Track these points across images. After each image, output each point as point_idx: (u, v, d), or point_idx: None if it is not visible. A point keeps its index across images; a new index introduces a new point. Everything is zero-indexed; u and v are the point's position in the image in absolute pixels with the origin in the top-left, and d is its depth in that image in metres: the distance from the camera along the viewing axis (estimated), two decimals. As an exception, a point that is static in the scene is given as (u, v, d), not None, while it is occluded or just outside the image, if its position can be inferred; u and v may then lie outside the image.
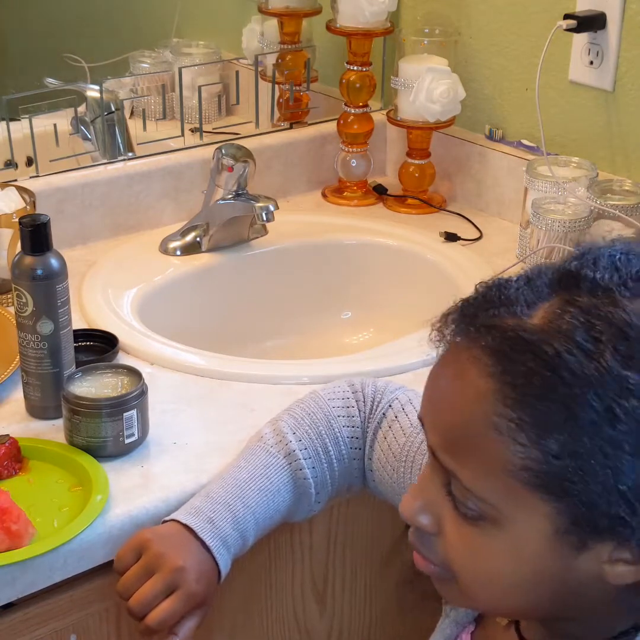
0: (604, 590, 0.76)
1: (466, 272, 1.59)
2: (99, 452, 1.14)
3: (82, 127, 1.68)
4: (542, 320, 0.73)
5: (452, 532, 0.78)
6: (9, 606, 1.06)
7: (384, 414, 1.13)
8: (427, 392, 0.80)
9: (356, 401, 1.15)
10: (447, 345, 0.78)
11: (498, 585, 0.77)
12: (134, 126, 1.75)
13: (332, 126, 1.87)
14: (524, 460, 0.72)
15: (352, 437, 1.13)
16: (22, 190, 1.49)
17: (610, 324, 0.72)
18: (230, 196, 1.61)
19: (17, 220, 1.32)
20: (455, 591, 0.81)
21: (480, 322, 0.76)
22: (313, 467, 1.11)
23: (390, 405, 1.13)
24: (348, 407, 1.15)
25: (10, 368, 1.27)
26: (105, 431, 1.14)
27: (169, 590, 1.01)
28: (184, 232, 1.65)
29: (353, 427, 1.14)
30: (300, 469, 1.10)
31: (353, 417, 1.14)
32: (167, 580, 1.01)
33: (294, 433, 1.12)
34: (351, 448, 1.13)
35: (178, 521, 1.05)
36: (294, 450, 1.11)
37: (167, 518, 1.06)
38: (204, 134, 1.78)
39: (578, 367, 0.71)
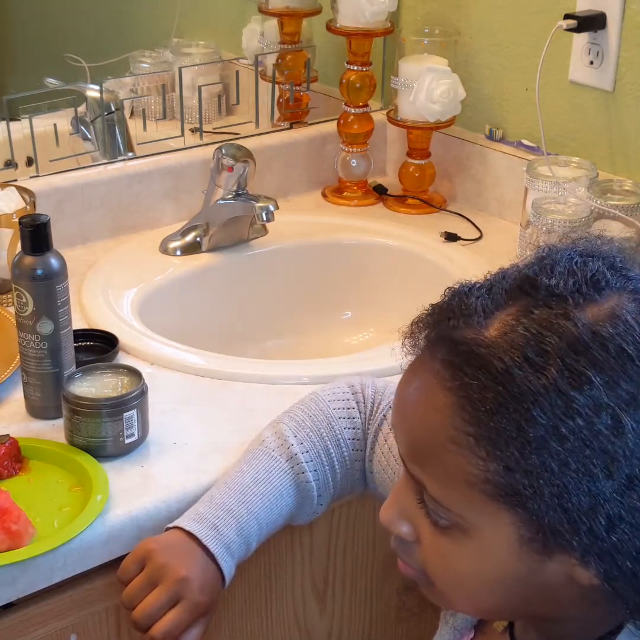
0: (579, 592, 0.76)
1: (466, 272, 1.57)
2: (99, 452, 1.14)
3: (82, 127, 1.68)
4: (496, 331, 0.73)
5: (427, 540, 0.80)
6: (9, 606, 1.06)
7: (384, 415, 1.13)
8: (396, 400, 0.81)
9: (356, 402, 1.15)
10: (417, 352, 0.79)
11: (469, 590, 0.79)
12: (134, 126, 1.75)
13: (332, 126, 1.87)
14: (484, 473, 0.73)
15: (353, 439, 1.13)
16: (22, 190, 1.48)
17: (560, 337, 0.71)
18: (230, 196, 1.61)
19: (17, 220, 1.32)
20: (435, 594, 0.83)
21: (440, 332, 0.76)
22: (315, 470, 1.11)
23: (390, 407, 1.13)
24: (349, 408, 1.14)
25: (11, 368, 1.27)
26: (105, 431, 1.14)
27: (173, 601, 1.01)
28: (184, 232, 1.65)
29: (354, 428, 1.14)
30: (303, 473, 1.10)
31: (354, 418, 1.14)
32: (171, 591, 1.01)
33: (295, 436, 1.11)
34: (353, 450, 1.13)
35: (181, 528, 1.04)
36: (296, 454, 1.10)
37: (170, 525, 1.06)
38: (204, 134, 1.78)
39: (526, 382, 0.71)
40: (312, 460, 1.11)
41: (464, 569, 0.78)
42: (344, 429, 1.13)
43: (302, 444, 1.11)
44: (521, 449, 0.71)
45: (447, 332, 0.76)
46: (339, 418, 1.13)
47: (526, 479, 0.71)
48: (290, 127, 1.88)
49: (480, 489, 0.73)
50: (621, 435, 0.70)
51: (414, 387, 0.78)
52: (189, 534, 1.04)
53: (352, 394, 1.16)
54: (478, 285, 0.78)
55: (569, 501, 0.71)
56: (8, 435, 1.15)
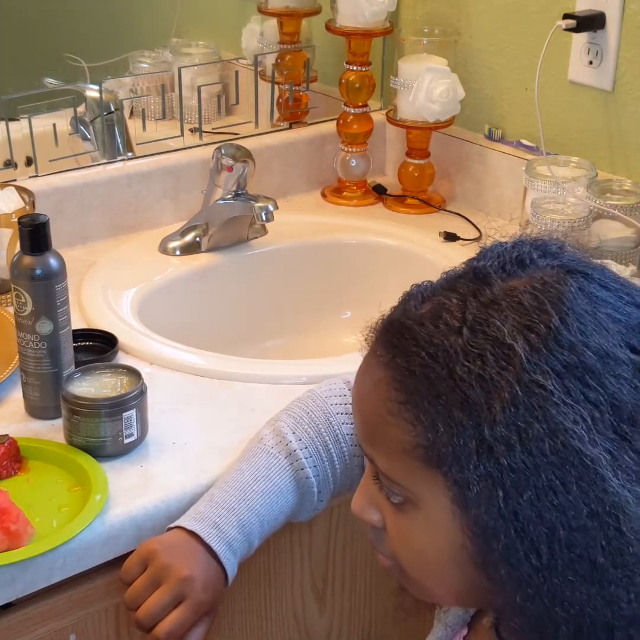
0: None
1: (466, 272, 1.59)
2: (98, 452, 1.14)
3: (81, 127, 1.68)
4: (426, 309, 0.78)
5: (390, 523, 0.82)
6: (8, 606, 1.06)
7: None
8: (353, 389, 0.84)
9: None
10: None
11: (433, 570, 0.80)
12: (134, 126, 1.75)
13: (331, 126, 1.87)
14: (414, 438, 0.75)
15: (351, 434, 1.13)
16: (21, 190, 1.49)
17: (477, 300, 0.75)
18: (229, 196, 1.61)
19: (16, 220, 1.32)
20: (410, 583, 0.84)
21: (383, 320, 0.82)
22: (314, 466, 1.11)
23: None
24: (346, 403, 1.15)
25: (10, 368, 1.27)
26: (104, 431, 1.14)
27: (176, 601, 1.01)
28: (183, 232, 1.65)
29: (352, 424, 1.14)
30: (302, 469, 1.11)
31: (351, 413, 1.14)
32: (174, 591, 1.01)
33: (293, 433, 1.12)
34: (351, 445, 1.13)
35: (183, 528, 1.05)
36: (295, 450, 1.11)
37: (171, 525, 1.06)
38: (203, 134, 1.78)
39: (440, 342, 0.74)
40: (311, 457, 1.11)
41: (422, 546, 0.79)
42: (342, 424, 1.14)
43: (300, 440, 1.11)
44: (438, 406, 0.74)
45: (388, 316, 0.81)
46: (337, 414, 1.14)
47: (445, 437, 0.73)
48: (290, 127, 1.88)
49: (415, 456, 0.75)
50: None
51: (361, 371, 0.83)
52: (191, 533, 1.04)
53: (349, 389, 1.16)
54: (427, 282, 0.82)
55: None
56: (7, 435, 1.15)
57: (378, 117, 1.88)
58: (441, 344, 0.74)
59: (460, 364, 0.73)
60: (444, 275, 0.82)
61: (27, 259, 1.17)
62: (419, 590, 0.84)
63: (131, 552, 1.09)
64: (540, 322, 0.72)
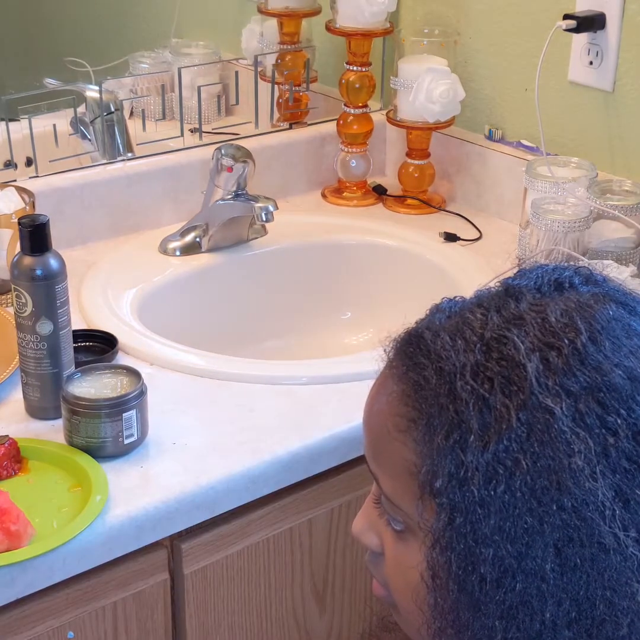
0: None
1: (466, 272, 1.59)
2: (99, 453, 1.14)
3: (81, 128, 1.68)
4: (449, 323, 0.73)
5: (388, 550, 0.77)
6: (7, 604, 1.05)
7: None
8: (365, 403, 0.80)
9: None
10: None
11: (420, 606, 0.73)
12: (134, 126, 1.75)
13: (331, 126, 1.87)
14: (421, 459, 0.70)
15: None
16: (21, 190, 1.49)
17: (500, 315, 0.71)
18: (229, 196, 1.61)
19: (16, 220, 1.32)
20: (400, 618, 0.79)
21: (406, 330, 0.76)
22: None
23: None
24: None
25: (10, 368, 1.27)
26: (104, 431, 1.14)
27: None
28: (183, 233, 1.65)
29: None
30: None
31: None
32: None
33: None
34: None
35: None
36: None
37: None
38: (203, 134, 1.78)
39: (449, 357, 0.70)
40: None
41: (417, 581, 0.72)
42: None
43: None
44: (433, 425, 0.69)
45: (409, 328, 0.76)
46: None
47: (437, 462, 0.68)
48: (290, 128, 1.88)
49: (419, 479, 0.70)
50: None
51: (375, 384, 0.78)
52: None
53: None
54: (459, 297, 0.78)
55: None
56: (7, 435, 1.15)
57: (378, 117, 1.88)
58: (450, 359, 0.69)
59: (463, 383, 0.68)
60: (477, 292, 0.77)
61: (28, 260, 1.17)
62: (408, 628, 0.79)
63: (131, 553, 1.10)
64: (565, 339, 0.68)
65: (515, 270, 0.77)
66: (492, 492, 0.66)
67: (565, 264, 0.77)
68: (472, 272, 1.58)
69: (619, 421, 0.66)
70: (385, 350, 0.77)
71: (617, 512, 0.65)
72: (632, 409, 0.66)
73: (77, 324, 1.36)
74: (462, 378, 0.68)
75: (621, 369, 0.67)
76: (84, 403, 1.14)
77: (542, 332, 0.68)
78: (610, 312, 0.70)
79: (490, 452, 0.66)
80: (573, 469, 0.65)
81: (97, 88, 1.69)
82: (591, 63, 1.63)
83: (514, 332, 0.69)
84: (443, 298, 0.77)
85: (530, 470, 0.66)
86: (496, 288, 0.75)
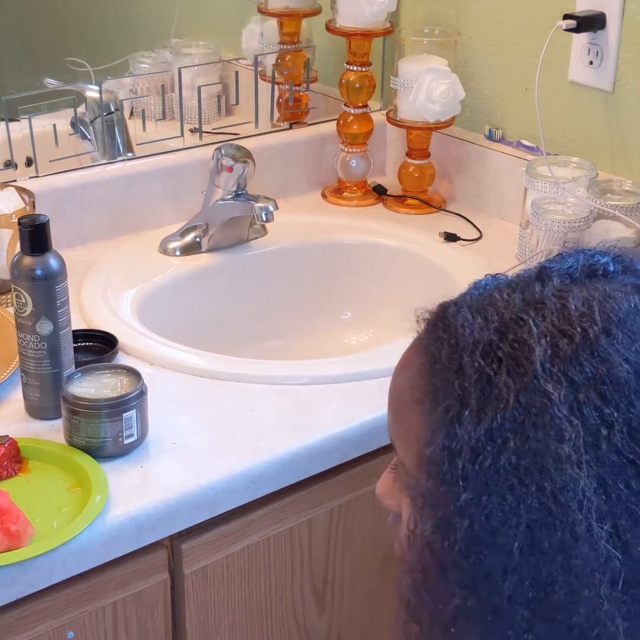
0: None
1: (466, 272, 1.59)
2: (99, 453, 1.14)
3: (81, 128, 1.68)
4: (479, 300, 0.73)
5: (405, 514, 0.78)
6: (7, 604, 1.05)
7: None
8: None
9: None
10: None
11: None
12: (134, 126, 1.75)
13: (331, 126, 1.87)
14: (425, 430, 0.71)
15: None
16: (21, 190, 1.48)
17: (523, 298, 0.71)
18: (229, 196, 1.60)
19: (16, 220, 1.32)
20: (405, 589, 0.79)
21: (440, 302, 0.76)
22: None
23: None
24: None
25: (10, 368, 1.27)
26: (104, 431, 1.14)
27: None
28: (183, 233, 1.65)
29: None
30: None
31: None
32: None
33: None
34: None
35: None
36: None
37: None
38: (203, 134, 1.78)
39: (465, 333, 0.70)
40: None
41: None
42: None
43: None
44: (439, 400, 0.70)
45: (443, 302, 0.76)
46: None
47: (436, 436, 0.69)
48: (290, 128, 1.88)
49: (419, 449, 0.72)
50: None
51: (404, 354, 0.78)
52: None
53: None
54: (502, 275, 0.78)
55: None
56: (7, 435, 1.15)
57: (378, 117, 1.88)
58: (465, 336, 0.70)
59: (472, 359, 0.69)
60: (520, 272, 0.76)
61: (28, 260, 1.17)
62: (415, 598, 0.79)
63: (131, 553, 1.10)
64: (579, 328, 0.67)
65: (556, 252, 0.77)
66: (477, 467, 0.67)
67: (608, 249, 0.76)
68: (472, 272, 1.57)
69: (616, 414, 0.66)
70: (417, 320, 0.77)
71: (596, 503, 0.66)
72: (633, 405, 0.66)
73: (77, 324, 1.36)
74: (472, 355, 0.69)
75: (629, 364, 0.67)
76: (84, 403, 1.14)
77: (559, 319, 0.69)
78: (632, 305, 0.69)
79: (482, 428, 0.67)
80: (559, 455, 0.66)
81: (97, 88, 1.69)
82: (591, 63, 1.62)
83: (531, 315, 0.69)
84: (486, 275, 0.77)
85: (518, 450, 0.66)
86: (533, 269, 0.75)
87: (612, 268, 0.73)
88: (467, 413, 0.68)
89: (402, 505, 0.78)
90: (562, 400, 0.66)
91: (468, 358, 0.69)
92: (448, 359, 0.70)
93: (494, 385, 0.68)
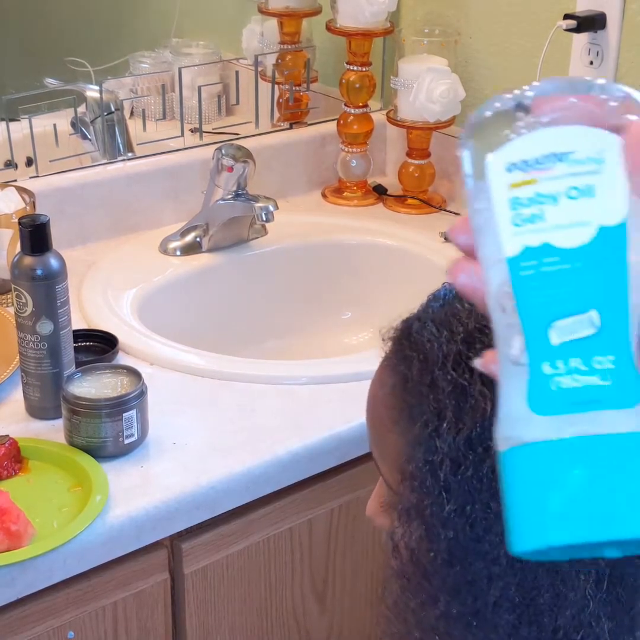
0: None
1: (466, 272, 1.59)
2: (99, 453, 1.14)
3: (81, 128, 1.68)
4: (441, 312, 0.72)
5: (392, 528, 0.78)
6: (7, 603, 1.06)
7: None
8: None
9: None
10: None
11: None
12: (134, 126, 1.75)
13: (332, 126, 1.87)
14: (405, 448, 0.71)
15: None
16: (21, 190, 1.48)
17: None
18: (230, 196, 1.61)
19: (16, 220, 1.32)
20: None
21: (403, 319, 0.76)
22: None
23: None
24: None
25: (10, 368, 1.27)
26: (104, 431, 1.14)
27: None
28: (183, 233, 1.65)
29: None
30: None
31: None
32: None
33: None
34: None
35: None
36: None
37: None
38: (203, 134, 1.78)
39: (433, 347, 0.70)
40: None
41: None
42: None
43: None
44: (416, 416, 0.69)
45: (405, 317, 0.76)
46: None
47: (414, 452, 0.69)
48: (290, 128, 1.88)
49: (401, 466, 0.72)
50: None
51: (375, 375, 0.78)
52: None
53: None
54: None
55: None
56: (8, 435, 1.15)
57: (378, 117, 1.88)
58: (433, 350, 0.70)
59: (444, 372, 0.68)
60: None
61: (28, 260, 1.17)
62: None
63: (131, 552, 1.10)
64: None
65: None
66: (459, 477, 0.67)
67: None
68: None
69: None
70: (383, 340, 0.77)
71: None
72: None
73: (78, 323, 1.36)
74: (443, 368, 0.69)
75: None
76: (84, 403, 1.14)
77: None
78: None
79: (461, 438, 0.67)
80: None
81: (97, 88, 1.69)
82: (591, 63, 1.62)
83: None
84: (443, 284, 0.77)
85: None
86: None
87: None
88: (445, 425, 0.68)
89: (393, 522, 0.78)
90: None
91: (439, 371, 0.69)
92: (419, 374, 0.70)
93: (469, 395, 0.68)
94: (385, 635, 0.76)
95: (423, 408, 0.69)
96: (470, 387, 0.68)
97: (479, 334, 0.69)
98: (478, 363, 0.53)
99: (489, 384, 0.67)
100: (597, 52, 1.61)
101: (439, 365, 0.69)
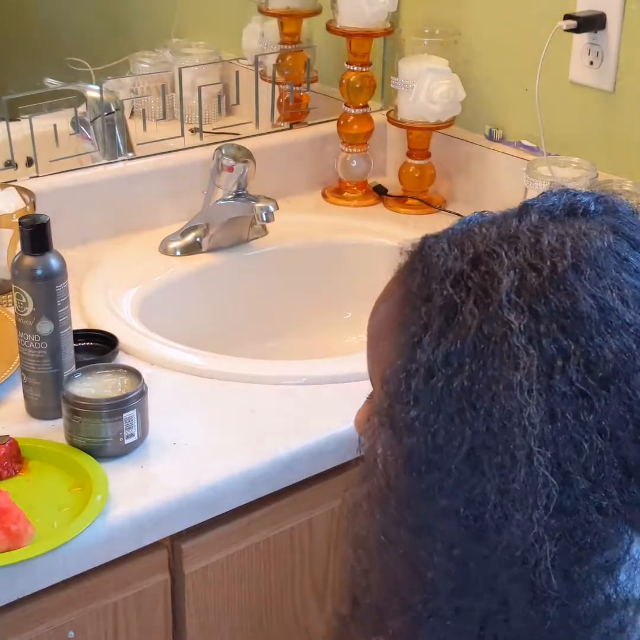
0: None
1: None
2: (99, 453, 1.14)
3: (82, 128, 1.68)
4: (459, 233, 0.74)
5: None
6: (7, 604, 1.06)
7: None
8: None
9: None
10: None
11: None
12: (134, 126, 1.75)
13: (332, 126, 1.87)
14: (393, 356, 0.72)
15: None
16: (22, 190, 1.49)
17: (498, 233, 0.71)
18: (230, 196, 1.61)
19: (17, 220, 1.32)
20: None
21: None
22: None
23: None
24: None
25: (10, 368, 1.27)
26: (105, 431, 1.14)
27: None
28: (184, 233, 1.65)
29: None
30: None
31: None
32: None
33: None
34: None
35: None
36: None
37: None
38: (203, 134, 1.78)
39: (438, 263, 0.71)
40: None
41: None
42: None
43: None
44: (409, 330, 0.71)
45: (425, 234, 0.77)
46: None
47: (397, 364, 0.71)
48: (290, 128, 1.88)
49: (383, 372, 0.74)
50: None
51: (386, 285, 0.79)
52: None
53: None
54: (488, 212, 0.78)
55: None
56: (8, 435, 1.15)
57: (378, 117, 1.88)
58: (438, 265, 0.71)
59: (442, 287, 0.70)
60: (502, 210, 0.77)
61: (28, 260, 1.17)
62: None
63: (132, 553, 1.10)
64: (549, 262, 0.68)
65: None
66: (430, 388, 0.69)
67: (593, 190, 0.76)
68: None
69: (573, 347, 0.66)
70: (400, 253, 0.78)
71: (541, 430, 0.66)
72: (592, 338, 0.66)
73: (78, 323, 1.36)
74: (442, 283, 0.70)
75: (595, 299, 0.67)
76: (84, 403, 1.14)
77: (531, 253, 0.69)
78: (605, 243, 0.69)
79: (440, 351, 0.68)
80: (511, 382, 0.66)
81: (97, 88, 1.69)
82: (592, 63, 1.62)
83: (505, 248, 0.70)
84: (475, 211, 0.79)
85: (472, 375, 0.67)
86: (517, 206, 0.75)
87: (593, 208, 0.73)
88: (427, 337, 0.69)
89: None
90: (522, 330, 0.67)
91: (437, 286, 0.70)
92: (419, 287, 0.71)
93: (459, 313, 0.69)
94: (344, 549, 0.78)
95: (414, 319, 0.71)
96: (462, 305, 0.69)
97: (487, 257, 0.70)
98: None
99: (481, 305, 0.68)
100: (597, 53, 1.61)
101: (439, 280, 0.70)
